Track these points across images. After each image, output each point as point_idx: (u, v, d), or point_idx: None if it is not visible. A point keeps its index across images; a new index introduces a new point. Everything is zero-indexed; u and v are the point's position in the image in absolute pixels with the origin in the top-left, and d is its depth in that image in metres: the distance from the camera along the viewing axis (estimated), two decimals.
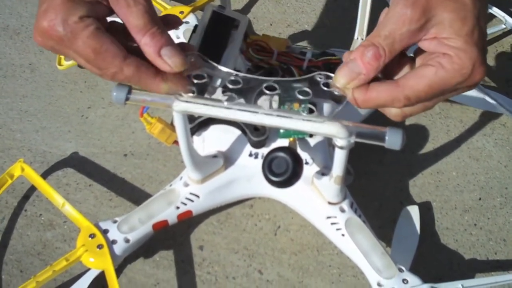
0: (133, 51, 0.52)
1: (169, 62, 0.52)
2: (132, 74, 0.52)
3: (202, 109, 0.56)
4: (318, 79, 0.56)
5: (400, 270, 0.69)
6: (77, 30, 0.50)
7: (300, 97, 0.57)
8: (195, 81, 0.55)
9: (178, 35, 0.91)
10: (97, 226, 0.73)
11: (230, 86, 0.55)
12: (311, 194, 0.74)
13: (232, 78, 0.55)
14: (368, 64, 0.50)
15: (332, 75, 0.54)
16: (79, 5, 0.50)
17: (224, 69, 0.59)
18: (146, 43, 0.51)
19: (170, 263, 0.79)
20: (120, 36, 0.52)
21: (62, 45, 0.51)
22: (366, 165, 0.88)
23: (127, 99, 0.54)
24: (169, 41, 0.52)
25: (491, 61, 1.03)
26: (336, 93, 0.55)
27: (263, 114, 0.55)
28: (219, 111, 0.56)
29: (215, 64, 0.59)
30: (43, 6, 0.50)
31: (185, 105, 0.55)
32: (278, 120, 0.55)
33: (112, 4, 0.51)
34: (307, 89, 0.57)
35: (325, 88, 0.55)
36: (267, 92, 0.57)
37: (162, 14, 0.93)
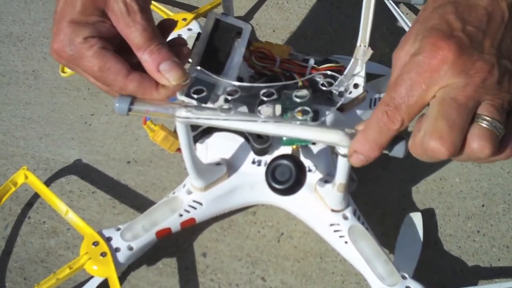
0: (139, 65, 0.54)
1: (167, 76, 0.54)
2: (135, 89, 0.54)
3: (204, 118, 0.56)
4: (317, 79, 0.56)
5: (403, 278, 0.69)
6: (82, 50, 0.52)
7: (298, 100, 0.57)
8: (195, 96, 0.56)
9: None
10: (100, 233, 0.74)
11: (229, 97, 0.55)
12: (314, 201, 0.74)
13: (231, 88, 0.56)
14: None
15: (330, 73, 0.54)
16: (83, 26, 0.52)
17: (223, 79, 0.60)
18: (146, 60, 0.53)
19: (173, 270, 0.79)
20: (126, 53, 0.54)
21: (72, 64, 0.54)
22: (369, 171, 0.88)
23: (129, 110, 0.55)
24: (167, 56, 0.54)
25: None
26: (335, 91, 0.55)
27: (265, 122, 0.55)
28: (219, 119, 0.56)
29: (216, 77, 0.60)
30: (54, 28, 0.53)
31: (187, 114, 0.55)
32: (281, 128, 0.55)
33: (114, 24, 0.53)
34: (306, 91, 0.57)
35: (324, 88, 0.55)
36: (265, 99, 0.58)
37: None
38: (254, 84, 0.60)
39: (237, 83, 0.56)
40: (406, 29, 0.99)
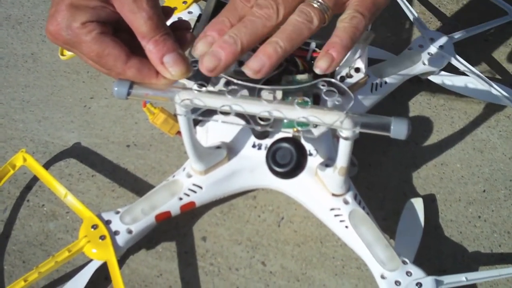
0: (140, 47, 0.53)
1: (170, 69, 0.53)
2: (134, 75, 0.53)
3: (204, 102, 0.55)
4: (321, 86, 0.56)
5: (404, 263, 0.69)
6: (80, 35, 0.51)
7: (299, 84, 0.57)
8: (196, 90, 0.55)
9: None
10: (99, 217, 0.73)
11: (229, 96, 0.55)
12: (314, 185, 0.73)
13: (232, 87, 0.55)
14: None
15: (334, 81, 0.54)
16: (82, 10, 0.51)
17: (224, 76, 0.60)
18: (150, 50, 0.52)
19: (173, 254, 0.78)
20: (128, 35, 0.53)
21: (69, 47, 0.53)
22: (370, 156, 0.87)
23: (128, 93, 0.54)
24: (172, 48, 0.53)
25: (496, 53, 1.02)
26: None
27: (266, 106, 0.55)
28: (221, 104, 0.55)
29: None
30: (52, 10, 0.52)
31: (187, 98, 0.55)
32: (282, 112, 0.55)
33: (118, 9, 0.52)
34: (306, 75, 0.57)
35: (326, 98, 0.54)
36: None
37: (165, 4, 0.94)
38: (254, 85, 0.59)
39: (237, 81, 0.56)
40: (408, 14, 0.98)
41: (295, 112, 0.55)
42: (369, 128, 0.54)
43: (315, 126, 0.72)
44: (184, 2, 0.93)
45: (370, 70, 0.87)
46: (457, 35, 0.96)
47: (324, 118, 0.54)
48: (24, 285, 0.69)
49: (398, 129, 0.52)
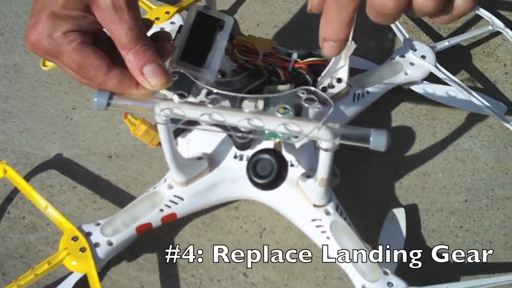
0: (119, 58, 0.53)
1: (149, 80, 0.53)
2: (115, 86, 0.54)
3: (184, 111, 0.55)
4: (300, 94, 0.56)
5: (385, 273, 0.69)
6: (61, 45, 0.51)
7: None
8: (177, 99, 0.55)
9: None
10: (79, 229, 0.73)
11: (210, 105, 0.55)
12: (296, 196, 0.73)
13: (213, 96, 0.55)
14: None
15: (313, 89, 0.54)
16: (63, 20, 0.51)
17: (204, 86, 0.59)
18: (130, 60, 0.52)
19: (154, 265, 0.78)
20: (108, 44, 0.53)
21: (50, 56, 0.53)
22: (353, 166, 0.87)
23: (108, 104, 0.54)
24: (152, 59, 0.53)
25: (478, 62, 1.03)
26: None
27: (245, 115, 0.55)
28: (201, 115, 0.55)
29: (199, 83, 0.59)
30: (32, 19, 0.52)
31: (166, 109, 0.55)
32: (261, 120, 0.55)
33: (99, 19, 0.52)
34: (288, 86, 0.57)
35: (306, 105, 0.55)
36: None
37: (147, 14, 0.94)
38: (234, 94, 0.59)
39: (218, 91, 0.55)
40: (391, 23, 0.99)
41: (273, 121, 0.55)
42: (348, 139, 0.54)
43: (296, 137, 0.73)
44: (167, 13, 0.93)
45: (352, 80, 0.87)
46: (440, 45, 0.97)
47: (302, 127, 0.54)
48: None
49: (378, 141, 0.53)
